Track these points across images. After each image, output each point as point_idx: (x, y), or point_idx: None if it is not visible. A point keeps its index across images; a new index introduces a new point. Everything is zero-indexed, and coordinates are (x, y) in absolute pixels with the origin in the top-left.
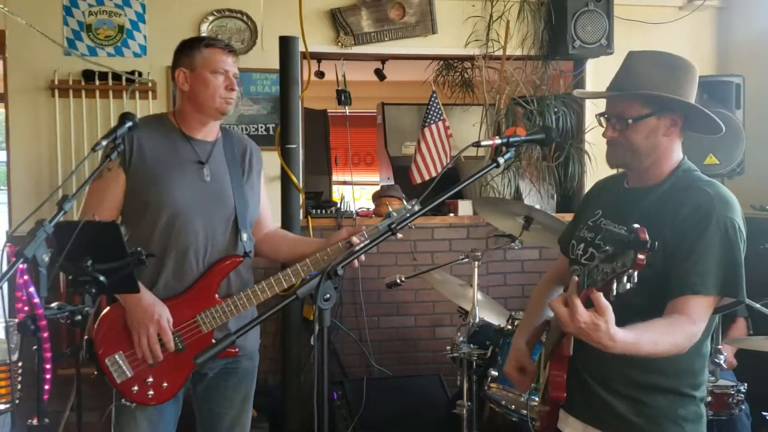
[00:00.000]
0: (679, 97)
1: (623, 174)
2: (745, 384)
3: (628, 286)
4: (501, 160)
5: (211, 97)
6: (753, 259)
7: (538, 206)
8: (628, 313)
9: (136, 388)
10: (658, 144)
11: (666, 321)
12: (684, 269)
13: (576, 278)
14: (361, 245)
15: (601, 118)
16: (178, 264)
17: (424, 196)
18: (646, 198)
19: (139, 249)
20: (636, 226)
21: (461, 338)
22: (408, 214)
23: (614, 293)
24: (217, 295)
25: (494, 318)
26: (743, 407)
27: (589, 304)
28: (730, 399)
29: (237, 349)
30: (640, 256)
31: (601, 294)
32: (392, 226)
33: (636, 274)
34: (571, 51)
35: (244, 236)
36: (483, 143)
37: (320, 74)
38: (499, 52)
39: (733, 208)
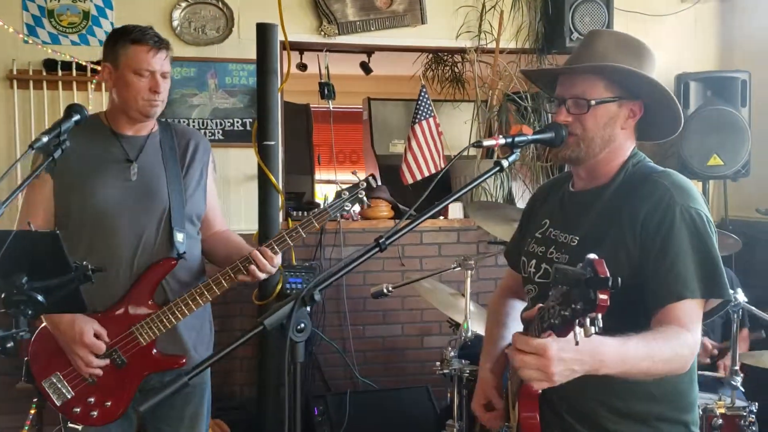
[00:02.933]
0: (649, 75)
1: (567, 175)
2: (756, 404)
3: (594, 331)
4: (505, 163)
5: (133, 99)
6: (761, 266)
7: None
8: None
9: (78, 409)
10: (614, 136)
11: (653, 331)
12: (660, 276)
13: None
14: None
15: (551, 104)
16: (103, 272)
17: (419, 203)
18: (595, 201)
19: (84, 263)
20: (592, 257)
21: (452, 353)
22: (358, 193)
23: (578, 339)
24: (151, 303)
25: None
26: (754, 429)
27: None
28: (742, 421)
29: (185, 360)
30: (602, 296)
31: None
32: (381, 242)
33: (600, 317)
34: (568, 44)
35: (179, 236)
36: (485, 143)
37: (302, 66)
38: (492, 45)
39: (694, 197)
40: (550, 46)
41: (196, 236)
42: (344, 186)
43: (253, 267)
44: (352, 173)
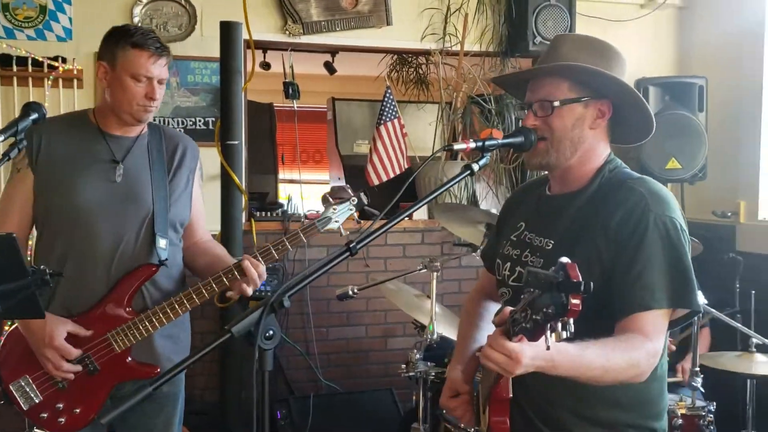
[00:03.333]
0: (611, 73)
1: (544, 179)
2: (714, 403)
3: (565, 335)
4: (476, 167)
5: (127, 103)
6: (716, 268)
7: (494, 211)
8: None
9: (45, 414)
10: (584, 138)
11: (614, 338)
12: (628, 284)
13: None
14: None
15: (524, 111)
16: (78, 274)
17: (389, 207)
18: (570, 206)
19: (42, 267)
20: (564, 261)
21: (417, 355)
22: (348, 209)
23: (549, 344)
24: (128, 309)
25: (452, 332)
26: (712, 428)
27: None
28: (701, 421)
29: (159, 370)
30: (574, 301)
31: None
32: (351, 246)
33: (572, 321)
34: (531, 48)
35: (161, 242)
36: (456, 146)
37: (266, 65)
38: (457, 47)
39: (670, 205)
40: (513, 50)
41: (178, 243)
42: (331, 198)
43: (238, 282)
44: (341, 187)
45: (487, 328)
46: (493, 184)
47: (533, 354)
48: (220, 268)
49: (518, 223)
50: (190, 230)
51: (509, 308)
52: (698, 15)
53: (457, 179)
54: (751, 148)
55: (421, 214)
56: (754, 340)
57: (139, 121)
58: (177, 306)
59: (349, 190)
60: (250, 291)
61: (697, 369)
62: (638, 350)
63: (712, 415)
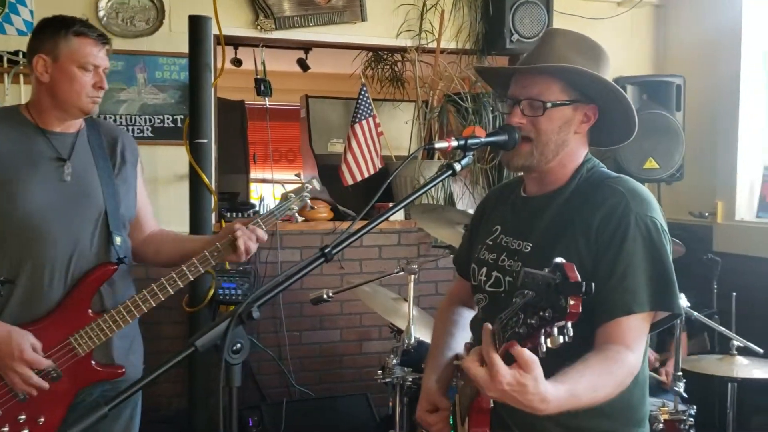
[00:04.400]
0: (607, 79)
1: (518, 180)
2: (694, 407)
3: (562, 339)
4: (458, 167)
5: (77, 94)
6: (694, 269)
7: (471, 211)
8: (548, 353)
9: (6, 428)
10: (568, 141)
11: (601, 358)
12: (610, 287)
13: (490, 327)
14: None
15: (504, 104)
16: (34, 280)
17: (367, 210)
18: (548, 208)
19: None
20: (560, 261)
21: (394, 361)
22: (303, 196)
23: (544, 349)
24: (90, 311)
25: (430, 335)
26: None
27: (509, 358)
28: (681, 425)
29: (123, 370)
30: (573, 302)
31: (524, 349)
32: (326, 251)
33: (570, 325)
34: (508, 45)
35: (117, 240)
36: (437, 145)
37: (237, 62)
38: (433, 45)
39: (651, 205)
40: (490, 47)
41: (128, 240)
42: (286, 186)
43: (240, 242)
44: (296, 175)
45: (461, 335)
46: (469, 183)
47: (518, 389)
48: (190, 245)
49: (493, 226)
50: (140, 225)
51: (501, 315)
52: (675, 13)
53: (439, 179)
54: (728, 148)
55: (397, 214)
56: (735, 343)
57: (87, 114)
58: (141, 303)
59: (325, 191)
60: (253, 247)
61: (680, 374)
62: (622, 368)
63: (692, 419)
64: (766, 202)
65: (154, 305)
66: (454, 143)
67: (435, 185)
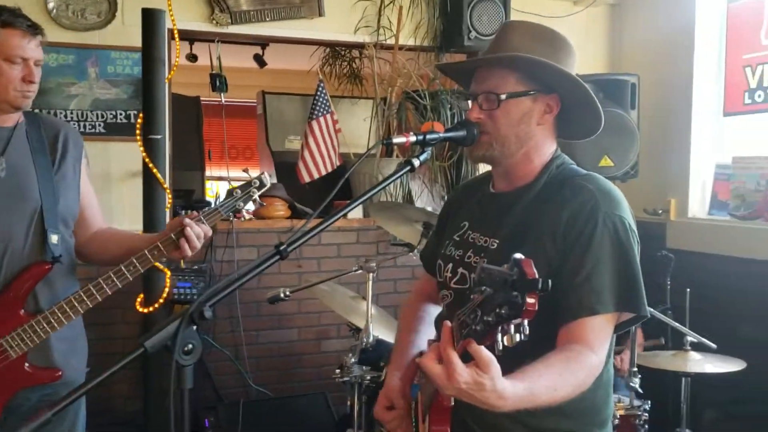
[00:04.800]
0: (563, 68)
1: (487, 176)
2: (649, 402)
3: (518, 338)
4: (416, 162)
5: (4, 89)
6: (648, 265)
7: (430, 208)
8: (510, 351)
9: None
10: (531, 133)
11: (562, 357)
12: (575, 286)
13: (449, 324)
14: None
15: (466, 100)
16: None
17: (324, 206)
18: (516, 204)
19: None
20: (518, 257)
21: (352, 359)
22: (250, 192)
23: (500, 347)
24: (23, 312)
25: (388, 334)
26: (647, 427)
27: (467, 356)
28: (636, 420)
29: (60, 373)
30: (530, 300)
31: (481, 347)
32: (281, 249)
33: (527, 323)
34: (466, 42)
35: (53, 238)
36: (395, 140)
37: (192, 57)
38: (391, 41)
39: (620, 204)
40: (448, 44)
41: (70, 239)
42: (237, 183)
43: (183, 241)
44: (243, 170)
45: (426, 332)
46: (428, 181)
47: (475, 387)
48: (135, 244)
49: (461, 222)
50: (85, 223)
51: (459, 312)
52: (630, 12)
53: (397, 175)
54: (681, 146)
55: (356, 212)
56: (689, 339)
57: (18, 109)
58: (77, 304)
59: (281, 189)
60: (197, 244)
61: (635, 369)
62: (583, 369)
63: (647, 414)
64: (717, 199)
65: (90, 306)
66: (413, 138)
67: (393, 181)
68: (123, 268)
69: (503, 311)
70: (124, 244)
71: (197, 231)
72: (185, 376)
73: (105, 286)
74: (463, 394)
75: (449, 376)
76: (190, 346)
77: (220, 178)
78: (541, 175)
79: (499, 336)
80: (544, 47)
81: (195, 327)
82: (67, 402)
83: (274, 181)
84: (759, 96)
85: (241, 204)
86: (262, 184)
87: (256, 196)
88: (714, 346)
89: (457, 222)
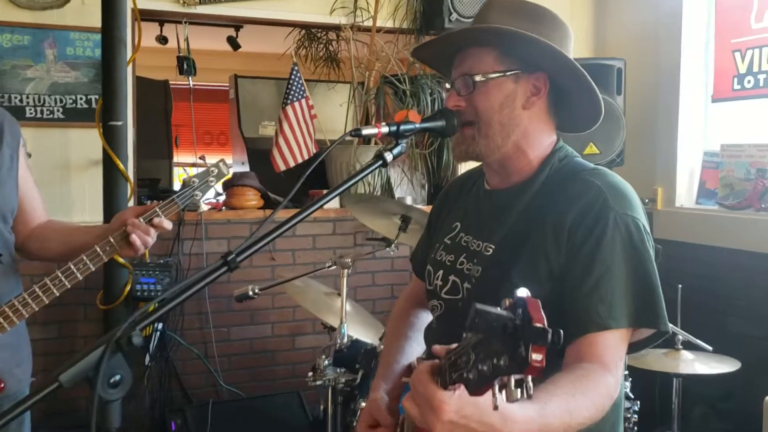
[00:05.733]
0: (545, 40)
1: (482, 169)
2: (638, 402)
3: (520, 395)
4: (389, 157)
5: None
6: None
7: (410, 198)
8: None
9: None
10: (517, 119)
11: (574, 377)
12: (582, 296)
13: (427, 368)
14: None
15: (447, 90)
16: None
17: (291, 195)
18: (514, 203)
19: None
20: (523, 295)
21: (325, 362)
22: (208, 181)
23: (497, 404)
24: None
25: (365, 332)
26: (636, 429)
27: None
28: (626, 422)
29: (3, 385)
30: (536, 356)
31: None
32: (229, 260)
33: (531, 379)
34: (447, 24)
35: None
36: (365, 131)
37: (162, 39)
38: (368, 23)
39: (632, 202)
40: (428, 26)
41: (9, 235)
42: (198, 171)
43: (133, 236)
44: (200, 158)
45: (417, 339)
46: (408, 170)
47: (470, 413)
48: (80, 238)
49: (453, 223)
50: (26, 217)
51: (449, 348)
52: None
53: (368, 171)
54: (669, 133)
55: (332, 202)
56: (680, 337)
57: None
58: (21, 307)
59: (254, 177)
60: (150, 241)
61: (626, 372)
62: (600, 391)
63: (636, 416)
64: (706, 188)
65: (36, 309)
66: (385, 129)
67: (365, 176)
68: (72, 266)
69: (502, 363)
70: (65, 239)
71: (143, 229)
72: (112, 413)
73: (52, 287)
74: (459, 427)
75: (435, 410)
76: (118, 377)
77: (194, 165)
78: (540, 170)
79: (497, 388)
80: (526, 23)
81: (123, 354)
82: (5, 420)
83: (247, 169)
84: (748, 82)
85: (199, 194)
86: (220, 173)
87: (214, 185)
88: (710, 348)
89: (449, 222)
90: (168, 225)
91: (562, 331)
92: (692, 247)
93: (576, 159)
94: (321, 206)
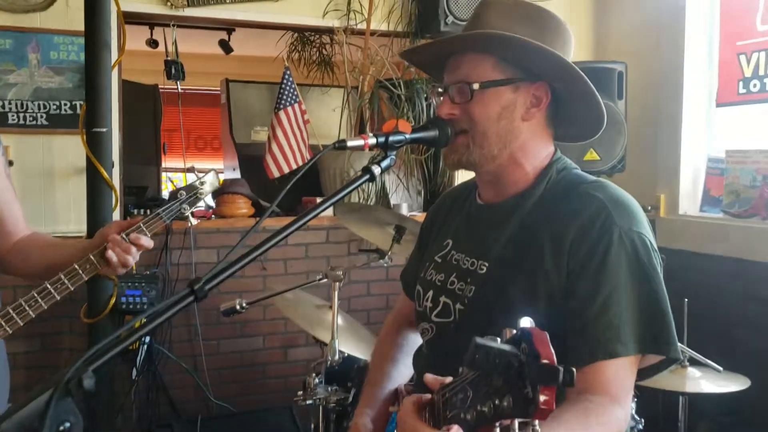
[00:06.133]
0: (549, 48)
1: (474, 183)
2: (642, 420)
3: None
4: (377, 170)
5: None
6: None
7: (405, 205)
8: None
9: None
10: (515, 131)
11: (580, 412)
12: (588, 321)
13: (413, 405)
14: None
15: (439, 96)
16: None
17: (277, 201)
18: (509, 218)
19: None
20: (528, 326)
21: (316, 380)
22: (197, 193)
23: None
24: None
25: (358, 347)
26: None
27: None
28: None
29: None
30: (544, 398)
31: None
32: (196, 288)
33: (538, 423)
34: (443, 28)
35: None
36: (350, 143)
37: (153, 43)
38: (362, 25)
39: (637, 217)
40: (424, 30)
41: None
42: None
43: (110, 253)
44: (189, 169)
45: (405, 362)
46: (403, 176)
47: None
48: (58, 254)
49: (444, 240)
50: (7, 230)
51: (444, 383)
52: None
53: (354, 186)
54: (672, 138)
55: (325, 210)
56: (687, 354)
57: None
58: (3, 323)
59: (245, 185)
60: (130, 260)
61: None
62: (610, 426)
63: None
64: (710, 195)
65: (10, 332)
66: (372, 141)
67: (351, 191)
68: (49, 286)
69: (505, 404)
70: (45, 254)
71: (124, 247)
72: None
73: (27, 309)
74: None
75: None
76: (67, 425)
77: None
78: (537, 183)
79: None
80: (527, 27)
81: (71, 399)
82: None
83: (238, 175)
84: (754, 85)
85: (186, 207)
86: (211, 185)
87: (203, 199)
88: (719, 368)
89: (440, 239)
90: (148, 243)
91: (574, 370)
92: (696, 256)
93: (575, 171)
94: (304, 224)
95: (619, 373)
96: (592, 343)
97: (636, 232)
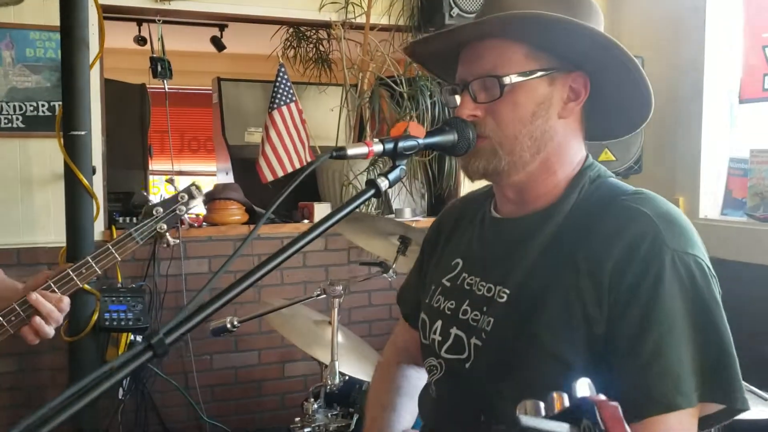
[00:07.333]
0: (596, 28)
1: (487, 192)
2: None
3: None
4: (383, 185)
5: None
6: None
7: (408, 209)
8: None
9: None
10: (551, 131)
11: None
12: (639, 368)
13: None
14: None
15: (453, 96)
16: None
17: (269, 211)
18: (533, 236)
19: None
20: (587, 394)
21: (315, 405)
22: (176, 209)
23: None
24: None
25: (361, 368)
26: None
27: None
28: None
29: None
30: None
31: None
32: (154, 342)
33: None
34: (447, 21)
35: None
36: (351, 151)
37: (141, 41)
38: (362, 19)
39: (691, 238)
40: (427, 23)
41: None
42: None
43: (37, 319)
44: (167, 181)
45: (407, 407)
46: (406, 179)
47: None
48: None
49: (453, 259)
50: None
51: None
52: None
53: (358, 203)
54: (691, 138)
55: (323, 215)
56: None
57: None
58: None
59: (238, 189)
60: (51, 331)
61: None
62: None
63: None
64: (732, 198)
65: None
66: (378, 148)
67: (355, 209)
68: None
69: None
70: None
71: (47, 309)
72: None
73: None
74: None
75: None
76: None
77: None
78: (567, 194)
79: None
80: (557, 6)
81: None
82: None
83: (231, 179)
84: None
85: (164, 227)
86: (191, 198)
87: (184, 215)
88: (767, 395)
89: (448, 258)
90: (65, 306)
91: None
92: (717, 262)
93: (611, 180)
94: (300, 249)
95: (678, 428)
96: (646, 395)
97: (692, 255)
